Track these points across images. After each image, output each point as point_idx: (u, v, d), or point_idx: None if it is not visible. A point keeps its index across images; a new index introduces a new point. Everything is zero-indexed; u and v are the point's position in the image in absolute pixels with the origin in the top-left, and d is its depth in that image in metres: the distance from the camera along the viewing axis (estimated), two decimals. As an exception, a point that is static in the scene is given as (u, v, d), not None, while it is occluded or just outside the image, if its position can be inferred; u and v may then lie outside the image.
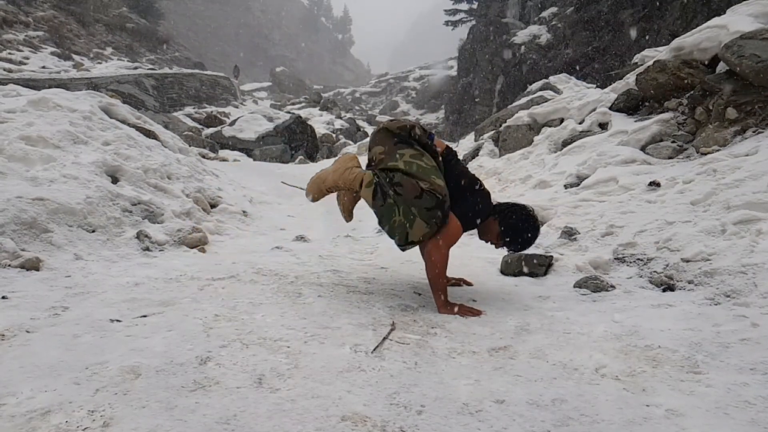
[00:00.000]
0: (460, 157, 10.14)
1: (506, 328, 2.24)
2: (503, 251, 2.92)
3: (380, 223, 2.54)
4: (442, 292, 2.50)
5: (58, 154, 3.73)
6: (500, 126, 9.05)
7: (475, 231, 2.76)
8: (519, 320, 2.34)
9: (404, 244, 2.51)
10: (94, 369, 1.57)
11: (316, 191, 2.73)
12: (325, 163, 13.73)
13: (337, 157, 2.74)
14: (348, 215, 2.82)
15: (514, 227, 2.65)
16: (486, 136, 9.47)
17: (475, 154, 9.05)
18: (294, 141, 16.66)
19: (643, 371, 1.74)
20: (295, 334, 1.99)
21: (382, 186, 2.49)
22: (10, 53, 19.52)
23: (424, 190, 2.43)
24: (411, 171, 2.46)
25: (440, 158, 2.62)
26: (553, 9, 22.40)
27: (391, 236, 2.52)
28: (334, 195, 2.83)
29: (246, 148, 16.02)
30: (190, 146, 6.65)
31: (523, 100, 10.63)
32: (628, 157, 4.97)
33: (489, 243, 2.78)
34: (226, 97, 24.87)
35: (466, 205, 2.59)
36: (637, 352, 1.90)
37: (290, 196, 7.08)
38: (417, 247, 2.64)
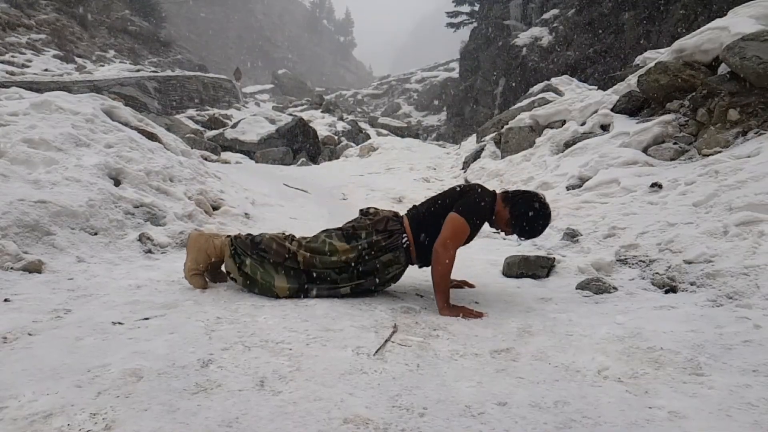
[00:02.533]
0: (462, 159, 10.11)
1: (508, 330, 2.23)
2: (503, 253, 2.92)
3: (252, 286, 2.58)
4: (446, 294, 2.50)
5: (61, 157, 3.73)
6: (502, 128, 9.05)
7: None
8: (521, 322, 2.33)
9: (277, 297, 2.55)
10: (96, 372, 1.57)
11: (196, 276, 2.63)
12: (328, 165, 13.75)
13: (188, 241, 2.71)
14: (199, 283, 2.65)
15: (525, 215, 2.62)
16: (488, 137, 9.47)
17: (477, 155, 9.05)
18: (296, 143, 16.67)
19: (646, 373, 1.74)
20: (297, 337, 1.99)
21: (238, 254, 2.59)
22: (12, 56, 19.58)
23: (289, 255, 2.56)
24: (311, 246, 2.58)
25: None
26: (555, 11, 22.40)
27: (264, 294, 2.57)
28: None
29: (248, 150, 16.03)
30: (192, 148, 6.66)
31: (525, 101, 10.63)
32: (630, 159, 4.97)
33: (499, 231, 2.77)
34: (228, 100, 24.90)
35: (463, 202, 2.57)
36: (640, 354, 1.90)
37: (292, 198, 7.08)
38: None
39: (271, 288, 2.53)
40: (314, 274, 2.58)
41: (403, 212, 2.81)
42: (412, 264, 2.72)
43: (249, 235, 2.72)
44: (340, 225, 2.75)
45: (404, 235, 2.62)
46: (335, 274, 2.58)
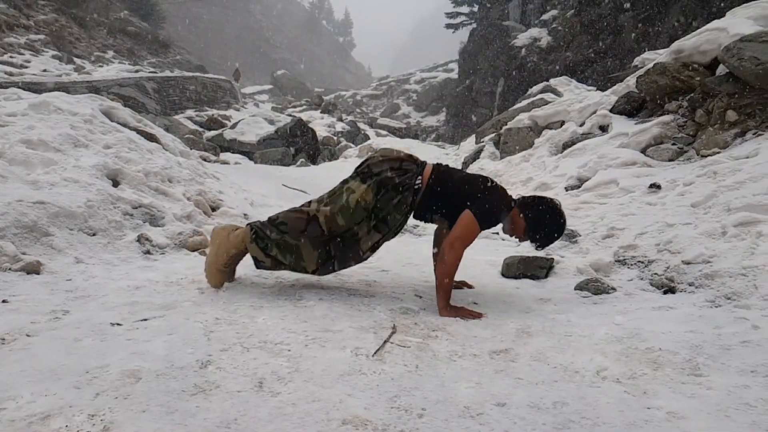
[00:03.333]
0: (461, 160, 10.10)
1: (507, 330, 2.23)
2: (501, 254, 2.92)
3: (281, 266, 2.63)
4: (447, 294, 2.49)
5: (59, 158, 3.73)
6: (501, 128, 9.06)
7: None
8: (520, 323, 2.33)
9: (310, 273, 2.62)
10: (95, 373, 1.57)
11: (217, 275, 2.65)
12: (327, 166, 13.75)
13: (211, 236, 2.73)
14: (216, 280, 2.66)
15: (541, 221, 2.61)
16: (487, 138, 9.48)
17: (476, 156, 9.06)
18: (295, 144, 16.67)
19: (644, 374, 1.74)
20: (295, 338, 1.99)
21: (261, 237, 2.60)
22: (11, 56, 19.53)
23: (309, 221, 2.55)
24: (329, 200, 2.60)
25: (419, 191, 2.59)
26: (554, 12, 22.43)
27: (296, 271, 2.63)
28: None
29: (247, 150, 16.02)
30: (191, 149, 6.65)
31: (524, 102, 10.64)
32: (629, 160, 4.97)
33: (513, 237, 2.75)
34: (227, 100, 24.89)
35: (483, 203, 2.54)
36: (638, 355, 1.90)
37: (291, 199, 7.08)
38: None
39: (300, 263, 2.57)
40: (338, 239, 2.57)
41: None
42: (412, 210, 2.65)
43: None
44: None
45: (419, 178, 2.59)
46: (356, 227, 2.56)
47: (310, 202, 2.67)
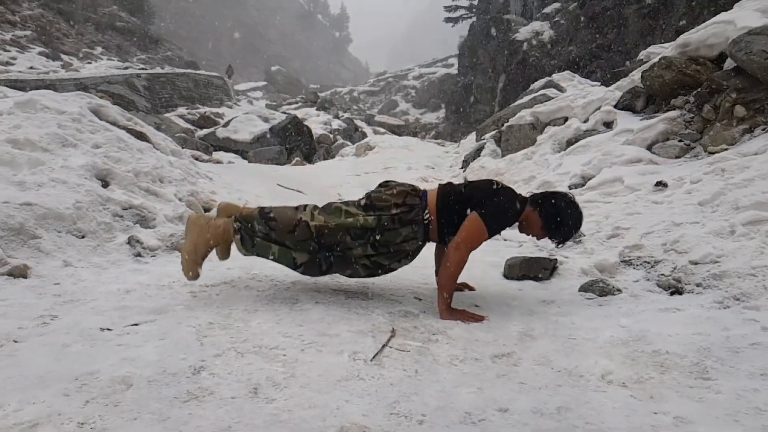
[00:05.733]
0: (462, 158, 10.12)
1: (510, 334, 2.24)
2: (503, 254, 2.92)
3: (263, 255, 2.62)
4: (449, 297, 2.49)
5: (47, 158, 3.72)
6: (502, 125, 9.06)
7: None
8: (523, 326, 2.34)
9: (296, 268, 2.60)
10: (84, 380, 1.57)
11: (193, 265, 2.58)
12: (323, 165, 13.74)
13: (186, 224, 2.69)
14: (195, 273, 2.60)
15: (558, 217, 2.60)
16: (488, 135, 9.49)
17: (476, 154, 9.07)
18: (290, 142, 16.64)
19: (651, 377, 1.74)
20: (291, 342, 1.99)
21: (245, 230, 2.59)
22: (-4, 53, 19.54)
23: (299, 224, 2.52)
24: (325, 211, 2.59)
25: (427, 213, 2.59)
26: (556, 5, 22.43)
27: (282, 263, 2.62)
28: None
29: (241, 149, 15.99)
30: (182, 148, 6.65)
31: (526, 98, 10.65)
32: (634, 157, 4.98)
33: (530, 236, 2.74)
34: (219, 98, 24.88)
35: (489, 205, 2.53)
36: (645, 358, 1.90)
37: (287, 199, 7.08)
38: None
39: (286, 256, 2.56)
40: (328, 253, 2.55)
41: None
42: (430, 241, 2.68)
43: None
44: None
45: (426, 210, 2.58)
46: (351, 239, 2.52)
47: (305, 206, 2.65)
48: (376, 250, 2.55)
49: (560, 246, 2.78)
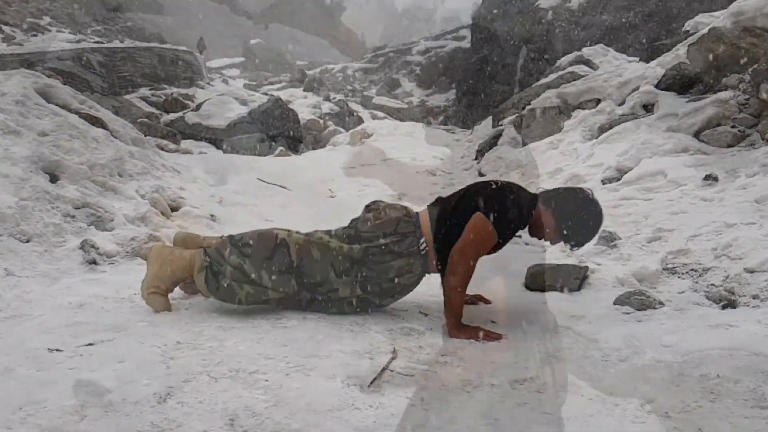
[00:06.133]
0: (475, 147, 10.15)
1: (532, 355, 2.24)
2: (525, 261, 2.92)
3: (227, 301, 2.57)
4: (458, 311, 2.48)
5: (-15, 148, 3.73)
6: (523, 109, 9.06)
7: None
8: (547, 345, 2.34)
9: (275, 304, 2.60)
10: (29, 410, 1.57)
11: (159, 298, 2.56)
12: (312, 155, 13.75)
13: (149, 255, 2.69)
14: (164, 306, 2.58)
15: (574, 216, 2.60)
16: (506, 121, 9.49)
17: (493, 143, 9.06)
18: (273, 129, 16.63)
19: (699, 406, 1.74)
20: (274, 365, 1.99)
21: (211, 269, 2.51)
22: None
23: (278, 245, 2.51)
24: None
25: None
26: (587, -34, 22.45)
27: (254, 304, 2.59)
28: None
29: (214, 137, 15.97)
30: (145, 136, 6.65)
31: (551, 77, 10.65)
32: (679, 146, 4.98)
33: (541, 240, 2.75)
34: (189, 76, 24.79)
35: (493, 203, 2.52)
36: (691, 383, 1.90)
37: (270, 196, 7.08)
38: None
39: (261, 294, 2.52)
40: (308, 280, 2.53)
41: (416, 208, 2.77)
42: (430, 273, 2.68)
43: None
44: (332, 228, 2.72)
45: (422, 239, 2.58)
46: (334, 275, 2.52)
47: (282, 229, 2.64)
48: (364, 290, 2.55)
49: (574, 249, 2.78)
